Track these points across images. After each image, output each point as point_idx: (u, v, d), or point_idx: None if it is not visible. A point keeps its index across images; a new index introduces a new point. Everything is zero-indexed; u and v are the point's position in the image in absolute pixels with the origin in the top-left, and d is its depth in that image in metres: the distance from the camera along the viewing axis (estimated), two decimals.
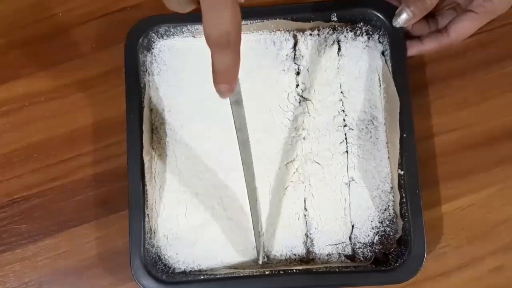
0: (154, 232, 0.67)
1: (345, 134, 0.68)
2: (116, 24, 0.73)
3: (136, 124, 0.66)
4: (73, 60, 0.73)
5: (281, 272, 0.64)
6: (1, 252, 0.70)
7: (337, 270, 0.64)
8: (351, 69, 0.68)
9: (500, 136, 0.69)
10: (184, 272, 0.66)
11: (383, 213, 0.66)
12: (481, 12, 0.63)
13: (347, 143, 0.67)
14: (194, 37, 0.70)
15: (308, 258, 0.66)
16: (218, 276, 0.65)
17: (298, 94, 0.69)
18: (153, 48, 0.70)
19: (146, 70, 0.70)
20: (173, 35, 0.70)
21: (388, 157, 0.66)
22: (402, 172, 0.65)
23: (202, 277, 0.65)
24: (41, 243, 0.70)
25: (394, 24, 0.66)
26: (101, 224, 0.70)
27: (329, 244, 0.66)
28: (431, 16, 0.67)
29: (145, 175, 0.65)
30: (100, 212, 0.70)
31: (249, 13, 0.69)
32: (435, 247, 0.67)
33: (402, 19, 0.65)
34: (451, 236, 0.68)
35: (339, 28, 0.69)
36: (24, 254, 0.70)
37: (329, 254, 0.66)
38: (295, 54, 0.69)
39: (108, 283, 0.69)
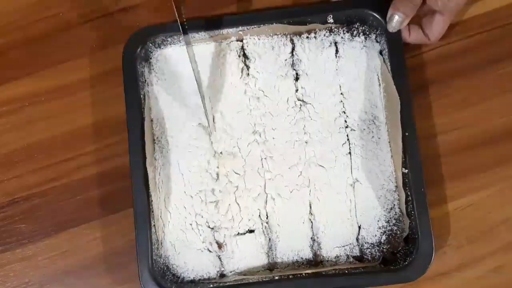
0: (161, 243, 0.65)
1: (347, 135, 0.67)
2: (116, 24, 0.72)
3: (137, 136, 0.66)
4: (73, 60, 0.73)
5: (290, 276, 0.63)
6: (1, 252, 0.69)
7: (346, 272, 0.63)
8: (350, 70, 0.69)
9: (500, 136, 0.70)
10: (193, 281, 0.65)
11: (389, 212, 0.66)
12: (446, 12, 0.64)
13: (349, 144, 0.67)
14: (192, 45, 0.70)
15: (316, 261, 0.66)
16: (228, 283, 0.63)
17: (298, 99, 0.68)
18: (150, 58, 0.70)
19: (145, 80, 0.69)
20: (170, 44, 0.70)
21: (391, 156, 0.66)
22: (406, 170, 0.65)
23: (211, 285, 0.64)
24: (41, 243, 0.69)
25: (389, 30, 0.66)
26: (101, 224, 0.69)
27: (337, 246, 0.66)
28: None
29: (150, 185, 0.65)
30: (100, 212, 0.69)
31: (245, 19, 0.69)
32: (435, 247, 0.66)
33: (396, 22, 0.65)
34: (451, 236, 0.68)
35: (335, 29, 0.69)
36: (25, 254, 0.69)
37: (337, 256, 0.65)
38: (293, 60, 0.69)
39: (108, 282, 0.68)
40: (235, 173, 0.67)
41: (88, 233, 0.69)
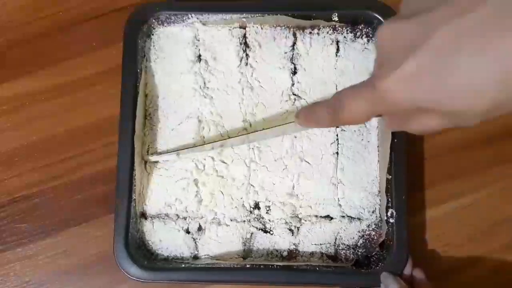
0: (139, 217, 0.67)
1: (337, 135, 0.68)
2: (116, 23, 0.72)
3: (130, 108, 0.66)
4: (73, 59, 0.73)
5: (261, 266, 0.64)
6: (1, 251, 0.70)
7: (317, 268, 0.64)
8: (348, 70, 0.68)
9: (500, 136, 0.70)
10: (166, 259, 0.67)
11: (369, 216, 0.66)
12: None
13: (338, 144, 0.67)
14: (198, 24, 0.70)
15: (290, 256, 0.67)
16: (200, 265, 0.65)
17: (293, 93, 0.68)
18: (152, 35, 0.70)
19: (144, 55, 0.70)
20: (174, 23, 0.70)
21: (378, 161, 0.66)
22: (390, 177, 0.65)
23: (183, 265, 0.65)
24: (41, 242, 0.70)
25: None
26: (101, 223, 0.70)
27: (314, 244, 0.66)
28: None
29: (135, 159, 0.66)
30: (100, 211, 0.70)
31: (250, 6, 0.69)
32: (435, 247, 0.68)
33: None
34: (451, 235, 0.68)
35: (339, 28, 0.69)
36: (25, 253, 0.70)
37: (312, 253, 0.66)
38: (293, 53, 0.69)
39: (108, 281, 0.69)
40: (222, 162, 0.68)
41: (89, 232, 0.70)
